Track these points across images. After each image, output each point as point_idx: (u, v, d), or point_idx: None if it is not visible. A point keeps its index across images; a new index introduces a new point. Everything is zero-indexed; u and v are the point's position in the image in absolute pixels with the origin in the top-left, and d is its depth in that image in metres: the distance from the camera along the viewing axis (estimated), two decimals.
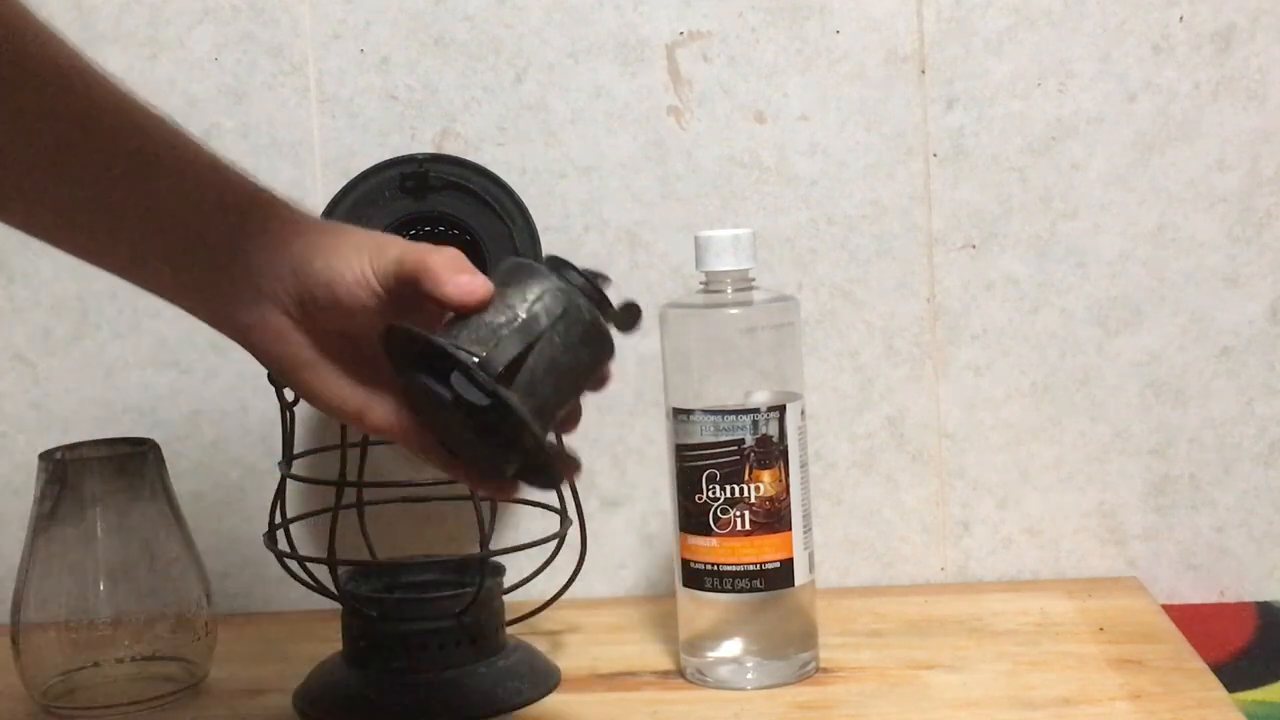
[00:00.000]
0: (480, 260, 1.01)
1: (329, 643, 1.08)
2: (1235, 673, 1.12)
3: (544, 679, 0.98)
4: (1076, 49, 1.11)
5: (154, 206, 0.74)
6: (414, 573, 1.00)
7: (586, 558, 0.99)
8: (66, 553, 0.99)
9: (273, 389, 0.97)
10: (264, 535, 0.99)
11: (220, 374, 1.17)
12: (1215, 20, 1.10)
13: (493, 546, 0.95)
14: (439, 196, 1.04)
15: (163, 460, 1.01)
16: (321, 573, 0.98)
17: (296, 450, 1.00)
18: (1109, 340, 1.13)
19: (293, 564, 0.98)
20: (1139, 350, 1.13)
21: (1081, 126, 1.12)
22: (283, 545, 0.99)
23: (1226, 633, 1.14)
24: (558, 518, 0.99)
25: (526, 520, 1.07)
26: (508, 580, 0.99)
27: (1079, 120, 1.12)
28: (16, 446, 1.17)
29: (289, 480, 0.99)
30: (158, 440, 1.02)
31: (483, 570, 0.95)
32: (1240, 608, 1.14)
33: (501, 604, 0.99)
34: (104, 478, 0.99)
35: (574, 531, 0.99)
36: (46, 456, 1.00)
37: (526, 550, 0.98)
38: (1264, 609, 1.14)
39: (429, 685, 0.94)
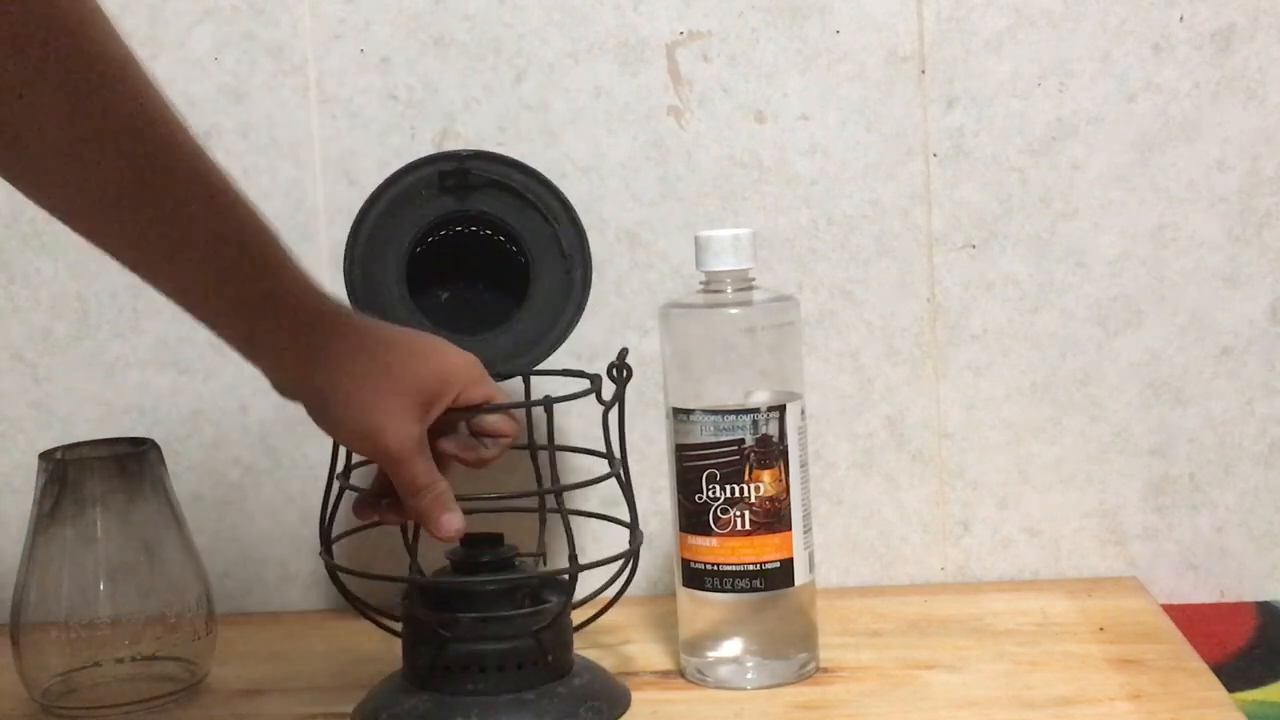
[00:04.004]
0: (521, 262, 0.98)
1: (329, 641, 1.09)
2: (1235, 673, 1.12)
3: (619, 698, 0.94)
4: (1076, 49, 1.11)
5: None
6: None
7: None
8: (66, 553, 0.99)
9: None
10: (320, 552, 0.96)
11: (220, 374, 1.17)
12: (1215, 20, 1.11)
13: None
14: (480, 195, 0.98)
15: (163, 460, 1.01)
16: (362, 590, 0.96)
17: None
18: (1109, 340, 1.13)
19: (340, 582, 0.95)
20: (1139, 350, 1.13)
21: (1081, 126, 1.12)
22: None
23: (1226, 633, 1.13)
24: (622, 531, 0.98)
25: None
26: None
27: (1079, 120, 1.12)
28: (16, 446, 1.17)
29: (347, 491, 0.95)
30: (158, 440, 1.02)
31: (571, 585, 0.93)
32: (1240, 608, 1.14)
33: (570, 621, 0.96)
34: (104, 478, 0.99)
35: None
36: (46, 456, 1.00)
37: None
38: (1264, 609, 1.14)
39: (509, 708, 0.90)
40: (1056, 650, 1.00)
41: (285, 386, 0.86)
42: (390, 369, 0.85)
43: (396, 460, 0.85)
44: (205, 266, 0.82)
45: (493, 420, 0.91)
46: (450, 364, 0.89)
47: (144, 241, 0.80)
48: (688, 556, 0.96)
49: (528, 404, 0.95)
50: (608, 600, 0.99)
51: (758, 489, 0.94)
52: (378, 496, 0.91)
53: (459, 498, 0.93)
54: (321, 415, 0.86)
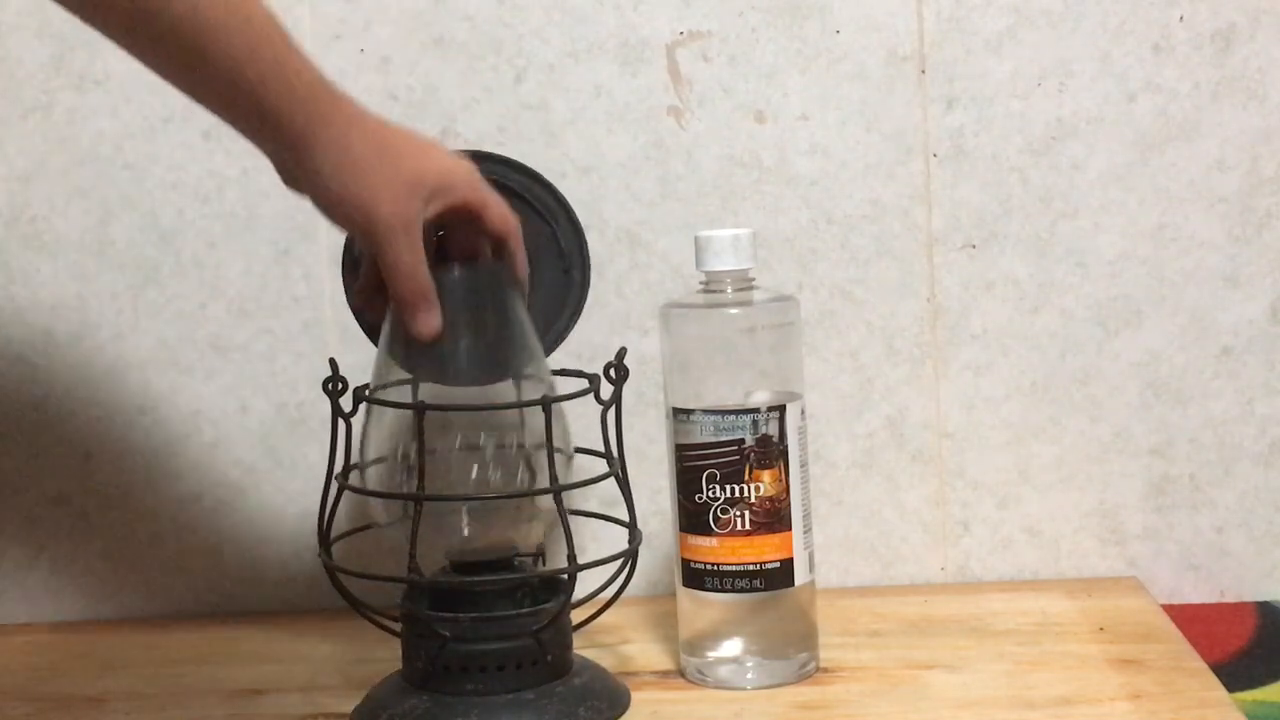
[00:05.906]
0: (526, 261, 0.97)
1: (329, 641, 1.08)
2: (1235, 673, 1.12)
3: (619, 698, 0.95)
4: (1076, 49, 1.11)
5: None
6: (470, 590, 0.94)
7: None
8: None
9: (326, 399, 0.95)
10: (319, 552, 0.96)
11: (220, 374, 1.17)
12: (1215, 20, 1.11)
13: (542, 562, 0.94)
14: None
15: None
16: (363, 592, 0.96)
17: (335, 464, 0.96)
18: (1109, 340, 1.13)
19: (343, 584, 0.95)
20: (1139, 350, 1.13)
21: (1081, 126, 1.12)
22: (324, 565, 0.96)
23: (1226, 633, 1.14)
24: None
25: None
26: None
27: (1079, 120, 1.12)
28: (17, 447, 1.17)
29: (345, 492, 0.95)
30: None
31: (570, 585, 0.93)
32: (1240, 608, 1.14)
33: (570, 621, 0.96)
34: None
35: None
36: None
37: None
38: (1264, 609, 1.14)
39: (508, 708, 0.91)
40: (1056, 650, 1.00)
41: (289, 167, 0.86)
42: (394, 151, 0.86)
43: (385, 234, 0.85)
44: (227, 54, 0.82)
45: (496, 218, 0.91)
46: (452, 164, 0.90)
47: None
48: (688, 556, 0.96)
49: (526, 404, 0.95)
50: (607, 600, 0.99)
51: (758, 489, 0.94)
52: (372, 288, 0.91)
53: (458, 498, 0.93)
54: (321, 189, 0.86)
